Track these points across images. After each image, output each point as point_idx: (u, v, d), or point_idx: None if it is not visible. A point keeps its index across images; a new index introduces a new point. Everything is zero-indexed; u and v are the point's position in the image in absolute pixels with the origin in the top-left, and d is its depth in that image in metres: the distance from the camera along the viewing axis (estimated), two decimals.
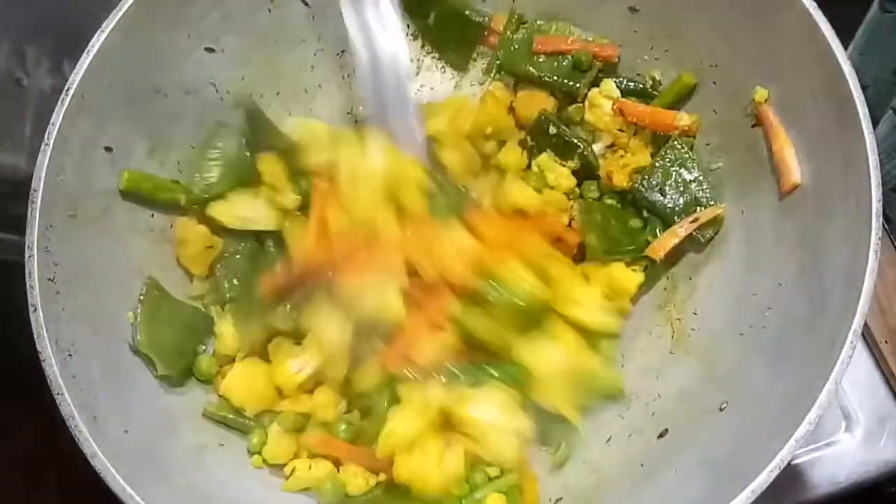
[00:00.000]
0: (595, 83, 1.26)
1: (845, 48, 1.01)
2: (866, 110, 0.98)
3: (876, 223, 0.94)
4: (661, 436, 1.09)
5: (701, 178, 1.19)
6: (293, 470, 1.12)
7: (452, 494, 1.09)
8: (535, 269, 1.13)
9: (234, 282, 1.21)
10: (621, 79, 1.26)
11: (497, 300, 1.11)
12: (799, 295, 1.04)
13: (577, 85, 1.25)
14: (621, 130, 1.24)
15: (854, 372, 1.25)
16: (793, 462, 0.89)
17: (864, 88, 1.00)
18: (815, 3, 1.03)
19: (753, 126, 1.13)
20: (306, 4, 1.27)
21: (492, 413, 1.10)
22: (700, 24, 1.17)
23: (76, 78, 1.07)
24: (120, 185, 1.13)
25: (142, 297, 1.13)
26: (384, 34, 1.18)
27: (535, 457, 1.15)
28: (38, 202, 1.03)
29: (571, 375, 1.12)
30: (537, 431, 1.14)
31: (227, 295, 1.21)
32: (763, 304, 1.08)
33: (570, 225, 1.24)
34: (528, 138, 1.29)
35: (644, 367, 1.18)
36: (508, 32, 1.29)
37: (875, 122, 1.00)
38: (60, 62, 1.38)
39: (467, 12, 1.31)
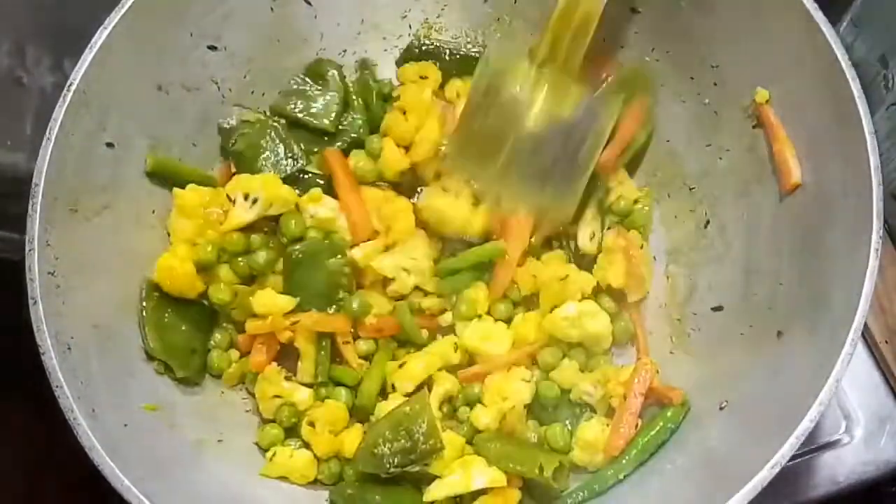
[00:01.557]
0: None
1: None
2: (867, 110, 0.98)
3: (876, 223, 0.94)
4: None
5: None
6: (273, 455, 1.13)
7: None
8: None
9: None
10: None
11: None
12: (799, 295, 1.04)
13: None
14: None
15: (854, 372, 1.25)
16: (793, 462, 0.89)
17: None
18: (815, 4, 1.03)
19: (754, 127, 1.14)
20: (309, 3, 1.27)
21: None
22: (701, 25, 1.17)
23: (78, 74, 1.07)
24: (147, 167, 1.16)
25: (144, 304, 1.13)
26: None
27: None
28: (40, 197, 1.03)
29: None
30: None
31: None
32: (763, 304, 1.08)
33: None
34: None
35: None
36: None
37: None
38: (61, 60, 1.38)
39: None
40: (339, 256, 1.19)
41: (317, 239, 1.19)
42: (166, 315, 1.14)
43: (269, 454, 1.13)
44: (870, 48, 1.17)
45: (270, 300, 1.15)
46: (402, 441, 1.07)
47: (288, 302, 1.15)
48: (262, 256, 1.19)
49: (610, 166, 1.23)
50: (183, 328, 1.15)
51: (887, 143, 1.19)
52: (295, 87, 1.29)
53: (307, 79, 1.29)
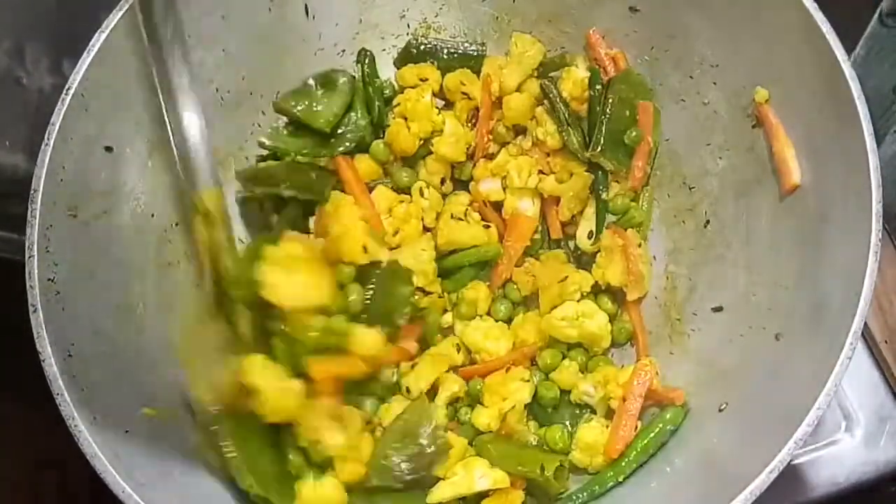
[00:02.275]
0: None
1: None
2: (867, 111, 0.98)
3: (876, 224, 0.94)
4: None
5: None
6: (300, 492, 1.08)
7: None
8: None
9: None
10: None
11: None
12: (799, 296, 1.03)
13: None
14: None
15: (854, 372, 1.25)
16: (793, 462, 0.89)
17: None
18: (815, 4, 1.03)
19: (754, 126, 1.13)
20: (307, 3, 1.27)
21: None
22: (700, 24, 1.17)
23: (76, 78, 1.07)
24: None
25: (225, 444, 1.04)
26: None
27: None
28: (38, 202, 1.03)
29: None
30: None
31: None
32: (763, 304, 1.08)
33: None
34: None
35: None
36: None
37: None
38: (59, 61, 1.38)
39: None
40: (409, 285, 1.17)
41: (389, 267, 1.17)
42: (248, 441, 1.06)
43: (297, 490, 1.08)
44: (881, 81, 1.17)
45: (371, 339, 1.11)
46: (411, 447, 1.07)
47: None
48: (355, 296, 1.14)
49: (640, 184, 1.24)
50: (266, 450, 1.08)
51: (890, 167, 1.19)
52: (304, 88, 1.29)
53: (318, 83, 1.29)
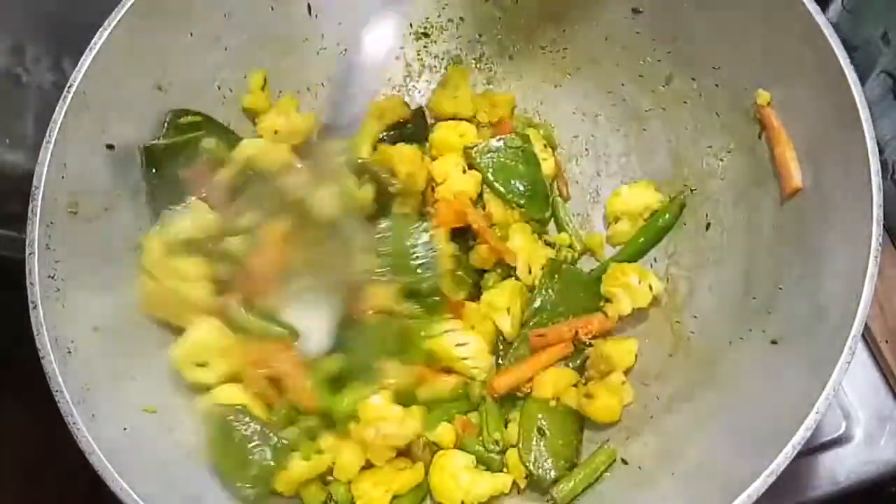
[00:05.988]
0: None
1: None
2: (868, 114, 0.98)
3: (876, 228, 0.94)
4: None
5: None
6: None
7: None
8: None
9: None
10: None
11: None
12: (799, 299, 1.03)
13: None
14: None
15: (854, 372, 1.24)
16: (793, 462, 0.89)
17: (851, 50, 0.99)
18: (816, 6, 1.03)
19: (759, 136, 1.13)
20: (309, 3, 1.27)
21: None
22: (703, 26, 1.17)
23: (78, 76, 1.07)
24: None
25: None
26: None
27: None
28: (39, 200, 1.03)
29: None
30: None
31: None
32: (763, 307, 1.08)
33: None
34: None
35: (643, 370, 1.18)
36: None
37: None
38: (60, 59, 1.38)
39: None
40: None
41: None
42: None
43: None
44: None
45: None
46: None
47: None
48: None
49: None
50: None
51: (875, 106, 1.19)
52: None
53: None
